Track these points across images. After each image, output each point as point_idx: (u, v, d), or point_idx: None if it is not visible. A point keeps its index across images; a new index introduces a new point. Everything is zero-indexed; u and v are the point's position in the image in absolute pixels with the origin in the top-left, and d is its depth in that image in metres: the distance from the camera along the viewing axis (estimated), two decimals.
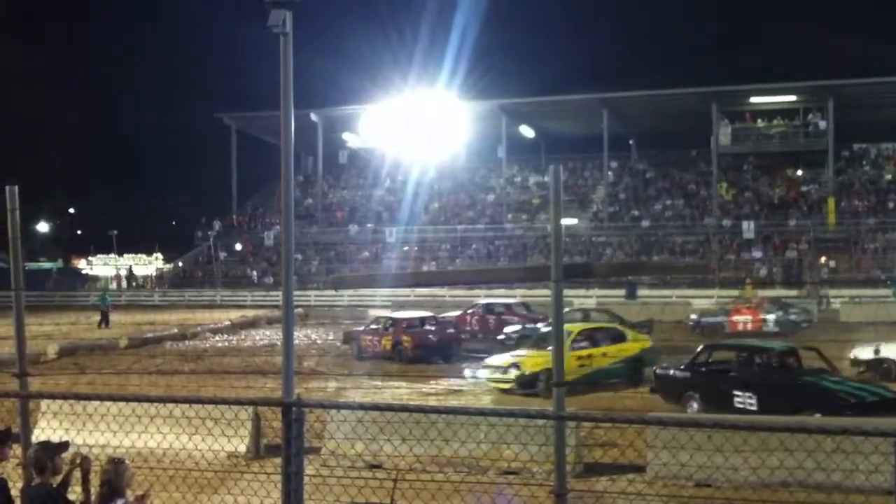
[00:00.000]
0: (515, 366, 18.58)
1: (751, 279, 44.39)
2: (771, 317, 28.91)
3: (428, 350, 24.74)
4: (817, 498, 10.10)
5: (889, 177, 56.78)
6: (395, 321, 26.03)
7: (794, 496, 10.33)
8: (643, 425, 11.79)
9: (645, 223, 56.63)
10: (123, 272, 70.31)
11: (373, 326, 26.55)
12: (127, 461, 6.26)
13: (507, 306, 30.29)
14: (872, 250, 50.26)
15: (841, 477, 10.53)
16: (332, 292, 39.74)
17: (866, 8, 74.76)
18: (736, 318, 29.47)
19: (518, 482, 10.66)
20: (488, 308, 30.05)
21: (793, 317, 29.51)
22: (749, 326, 28.65)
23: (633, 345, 20.54)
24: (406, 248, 57.23)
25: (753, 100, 56.86)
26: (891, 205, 53.73)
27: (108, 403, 8.93)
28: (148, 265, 74.90)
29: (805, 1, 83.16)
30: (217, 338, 34.00)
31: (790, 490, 10.52)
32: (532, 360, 18.58)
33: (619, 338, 20.60)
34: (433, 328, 26.27)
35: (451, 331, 26.71)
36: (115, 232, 76.09)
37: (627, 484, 10.99)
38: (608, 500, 10.49)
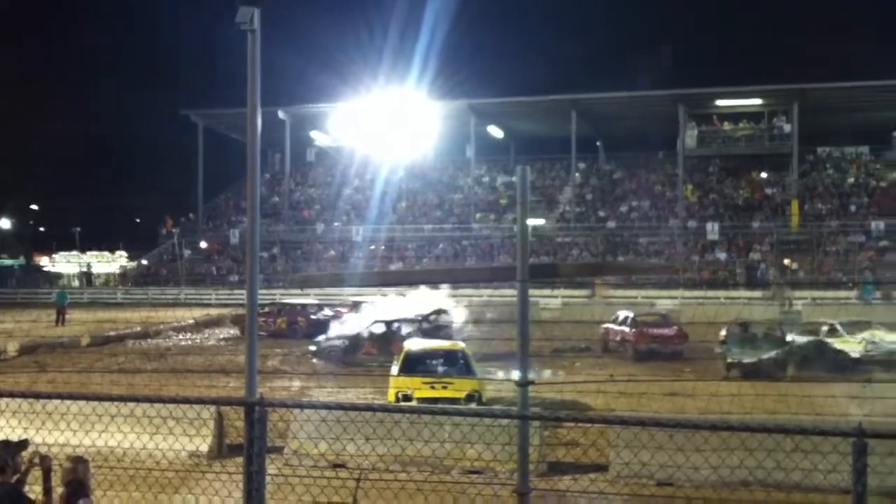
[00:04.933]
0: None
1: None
2: None
3: (319, 328, 29.65)
4: (777, 497, 10.23)
5: (852, 180, 57.56)
6: (290, 305, 34.17)
7: (753, 495, 10.46)
8: (606, 425, 11.90)
9: (611, 224, 56.98)
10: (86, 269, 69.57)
11: (266, 310, 32.31)
12: (88, 460, 6.22)
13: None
14: (835, 252, 50.91)
15: (800, 476, 10.67)
16: (299, 291, 39.61)
17: (832, 14, 75.68)
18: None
19: (481, 481, 10.70)
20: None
21: None
22: None
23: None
24: (373, 247, 57.13)
25: (720, 103, 57.38)
26: (853, 208, 54.49)
27: (68, 402, 8.85)
28: (111, 262, 74.08)
29: (772, 6, 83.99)
30: (180, 336, 33.75)
31: (750, 489, 10.66)
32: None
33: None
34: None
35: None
36: (79, 229, 75.27)
37: (590, 483, 11.07)
38: (570, 498, 10.56)
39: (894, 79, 51.18)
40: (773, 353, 22.15)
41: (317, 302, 36.13)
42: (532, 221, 53.33)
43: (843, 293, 42.44)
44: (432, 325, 26.49)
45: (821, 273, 48.64)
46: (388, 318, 26.29)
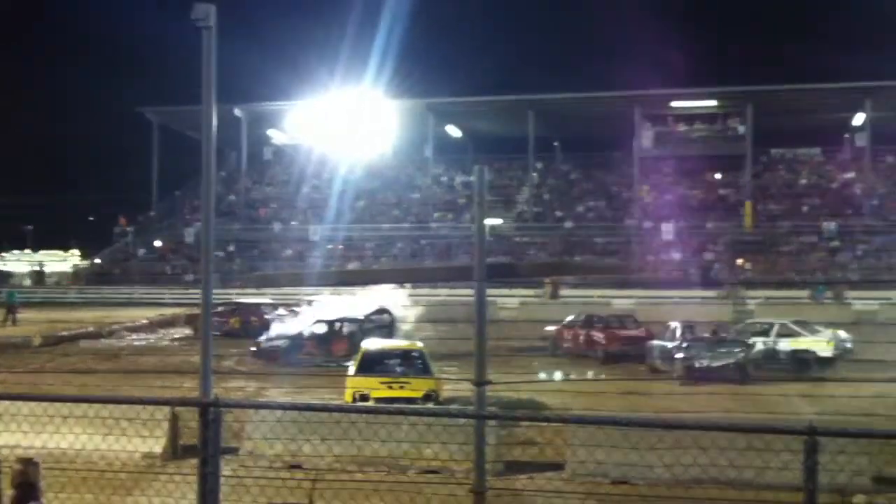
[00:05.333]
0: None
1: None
2: None
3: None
4: (730, 494, 10.35)
5: (804, 181, 58.49)
6: (245, 305, 33.96)
7: (707, 493, 10.58)
8: (562, 423, 11.97)
9: (568, 224, 57.32)
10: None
11: (220, 309, 31.35)
12: (39, 462, 6.12)
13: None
14: (787, 253, 51.69)
15: (753, 474, 10.83)
16: (255, 290, 39.28)
17: (787, 17, 76.86)
18: None
19: (438, 481, 10.70)
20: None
21: None
22: None
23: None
24: (331, 246, 56.89)
25: (675, 104, 57.97)
26: (805, 208, 55.37)
27: (19, 403, 8.71)
28: (64, 261, 72.99)
29: (729, 9, 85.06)
30: (134, 336, 33.35)
31: (704, 487, 10.78)
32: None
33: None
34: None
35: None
36: (31, 227, 74.05)
37: (546, 482, 11.13)
38: (526, 497, 10.60)
39: (846, 81, 52.11)
40: (739, 356, 21.68)
41: (272, 301, 35.87)
42: (490, 221, 53.47)
43: (795, 293, 43.08)
44: (374, 325, 26.16)
45: (774, 273, 49.35)
46: (330, 317, 25.84)
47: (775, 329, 24.02)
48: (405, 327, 27.75)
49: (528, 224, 58.24)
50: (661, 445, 10.53)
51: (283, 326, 27.33)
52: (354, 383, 16.18)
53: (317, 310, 28.04)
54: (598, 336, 26.27)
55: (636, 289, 42.30)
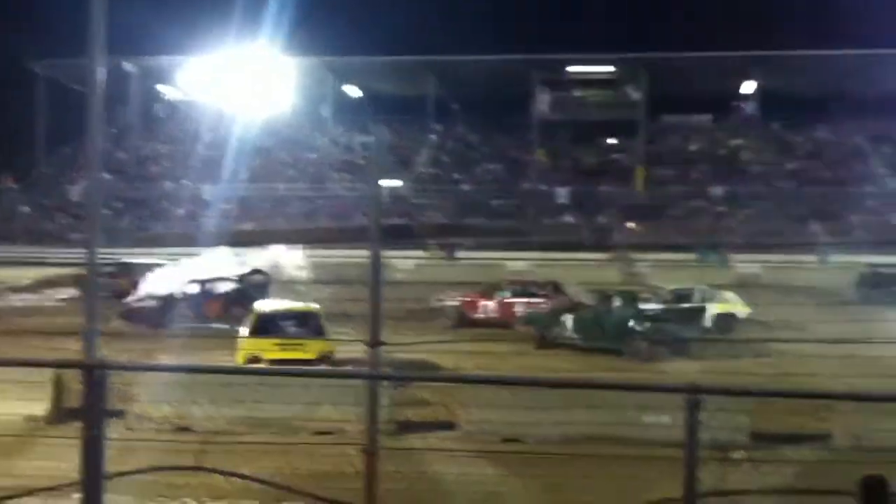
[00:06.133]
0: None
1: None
2: None
3: None
4: (616, 450, 10.65)
5: (694, 148, 60.07)
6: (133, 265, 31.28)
7: (594, 449, 10.87)
8: (455, 383, 12.10)
9: (466, 186, 57.60)
10: None
11: (108, 270, 28.99)
12: None
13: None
14: (677, 217, 53.12)
15: (638, 431, 11.18)
16: (145, 250, 38.25)
17: None
18: None
19: (330, 442, 10.70)
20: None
21: None
22: None
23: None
24: (224, 206, 55.75)
25: (572, 69, 58.62)
26: (695, 174, 56.93)
27: None
28: None
29: None
30: (16, 297, 32.15)
31: (592, 443, 11.07)
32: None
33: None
34: None
35: None
36: None
37: (438, 441, 11.25)
38: (418, 456, 10.69)
39: (736, 50, 53.55)
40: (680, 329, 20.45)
41: (162, 262, 34.82)
42: (388, 182, 53.28)
43: (684, 255, 44.31)
44: (249, 286, 25.56)
45: (663, 236, 50.65)
46: (203, 277, 24.89)
47: (700, 294, 23.96)
48: (301, 288, 27.46)
49: (425, 186, 58.27)
50: (552, 404, 10.77)
51: (152, 286, 26.15)
52: (247, 345, 16.03)
53: (191, 270, 26.96)
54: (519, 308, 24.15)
55: (530, 250, 42.78)
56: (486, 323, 24.16)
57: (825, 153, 57.93)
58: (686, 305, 23.01)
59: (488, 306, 24.95)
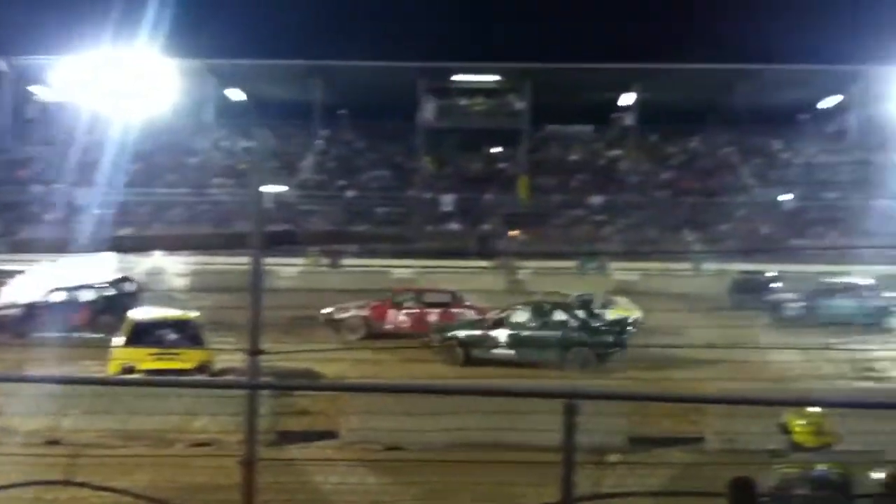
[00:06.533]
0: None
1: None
2: None
3: None
4: (495, 455, 10.74)
5: (576, 157, 61.34)
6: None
7: (475, 455, 10.94)
8: (337, 392, 11.99)
9: (352, 193, 57.32)
10: None
11: None
12: None
13: None
14: (558, 225, 54.10)
15: (517, 436, 11.29)
16: (11, 256, 36.65)
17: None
18: None
19: (207, 453, 10.44)
20: None
21: None
22: None
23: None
24: (101, 211, 53.92)
25: (457, 78, 59.10)
26: (576, 183, 58.11)
27: None
28: None
29: None
30: None
31: (472, 449, 11.14)
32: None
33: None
34: None
35: None
36: None
37: (318, 450, 11.12)
38: (298, 467, 10.55)
39: (616, 62, 54.97)
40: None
41: (25, 268, 33.32)
42: (272, 188, 52.56)
43: (565, 263, 45.18)
44: (117, 294, 24.84)
45: (545, 244, 51.55)
46: (69, 285, 24.04)
47: (598, 300, 24.43)
48: (178, 296, 26.79)
49: (310, 192, 57.70)
50: (433, 410, 10.78)
51: (15, 294, 25.04)
52: (121, 355, 15.56)
53: (56, 276, 25.95)
54: (433, 317, 23.86)
55: (415, 258, 42.92)
56: (396, 334, 23.54)
57: (698, 164, 60.03)
58: (609, 313, 23.18)
59: (398, 316, 24.35)
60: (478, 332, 20.67)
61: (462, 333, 20.83)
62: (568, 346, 19.75)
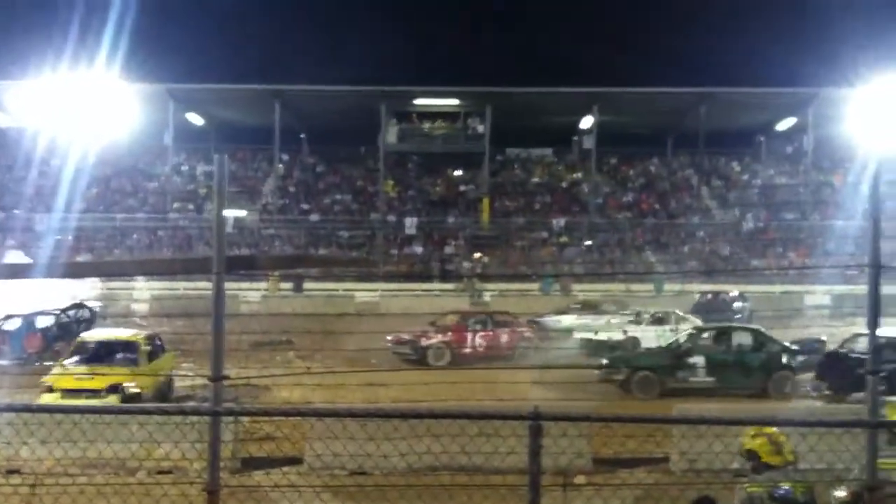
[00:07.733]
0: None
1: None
2: None
3: None
4: (461, 479, 10.70)
5: (537, 180, 61.75)
6: None
7: (440, 479, 10.89)
8: (300, 417, 11.89)
9: (314, 217, 57.17)
10: None
11: None
12: None
13: None
14: (520, 247, 54.36)
15: (482, 459, 11.26)
16: None
17: (526, 21, 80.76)
18: None
19: (169, 482, 10.30)
20: None
21: None
22: None
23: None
24: (59, 237, 53.21)
25: (418, 101, 59.32)
26: (537, 206, 58.47)
27: None
28: None
29: (478, 12, 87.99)
30: None
31: (437, 473, 11.09)
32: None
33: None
34: None
35: None
36: None
37: (282, 476, 11.01)
38: (261, 493, 10.44)
39: (575, 86, 55.54)
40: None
41: None
42: (234, 213, 52.27)
43: (527, 285, 45.40)
44: (72, 320, 24.68)
45: (507, 266, 51.75)
46: (23, 312, 23.92)
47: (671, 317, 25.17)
48: (141, 322, 26.51)
49: (272, 217, 57.47)
50: (397, 435, 10.72)
51: None
52: (50, 376, 16.00)
53: (8, 303, 25.74)
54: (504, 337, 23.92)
55: (379, 282, 42.92)
56: (475, 357, 23.30)
57: (658, 186, 60.66)
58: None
59: (476, 340, 24.17)
60: (668, 361, 19.71)
61: (651, 362, 20.05)
62: (770, 370, 19.25)
